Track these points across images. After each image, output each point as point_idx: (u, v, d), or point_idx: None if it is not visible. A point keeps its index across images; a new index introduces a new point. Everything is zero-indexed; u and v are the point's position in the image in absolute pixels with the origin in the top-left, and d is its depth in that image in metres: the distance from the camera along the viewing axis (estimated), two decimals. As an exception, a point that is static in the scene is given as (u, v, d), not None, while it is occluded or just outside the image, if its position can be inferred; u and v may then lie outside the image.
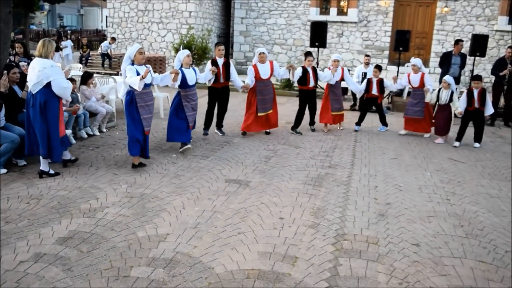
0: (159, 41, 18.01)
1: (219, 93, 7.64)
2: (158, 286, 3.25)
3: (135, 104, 5.74)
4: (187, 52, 6.75)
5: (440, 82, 10.79)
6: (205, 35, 17.23)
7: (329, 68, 8.43)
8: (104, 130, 7.91)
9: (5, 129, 5.62)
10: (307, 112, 8.45)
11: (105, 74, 12.71)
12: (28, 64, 8.48)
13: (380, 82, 8.87)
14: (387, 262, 3.73)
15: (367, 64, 11.22)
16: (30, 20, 31.51)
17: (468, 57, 11.25)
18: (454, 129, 8.34)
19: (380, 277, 3.50)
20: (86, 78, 7.84)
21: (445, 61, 10.74)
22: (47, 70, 5.20)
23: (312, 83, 8.16)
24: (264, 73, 7.80)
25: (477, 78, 8.07)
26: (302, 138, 8.09)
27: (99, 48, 17.72)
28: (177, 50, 15.82)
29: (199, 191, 5.20)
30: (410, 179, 6.01)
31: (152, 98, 6.03)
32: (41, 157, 5.44)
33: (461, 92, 10.94)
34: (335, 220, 4.53)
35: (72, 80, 7.37)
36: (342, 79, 8.65)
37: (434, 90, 8.45)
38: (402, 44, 12.27)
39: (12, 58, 8.38)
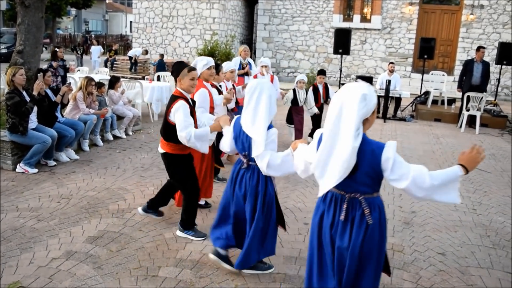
0: (183, 47, 18.29)
1: None
2: (185, 287, 3.31)
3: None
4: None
5: (460, 88, 10.56)
6: (228, 41, 17.41)
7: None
8: (130, 133, 8.07)
9: (38, 130, 5.80)
10: None
11: (131, 78, 12.95)
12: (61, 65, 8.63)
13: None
14: (413, 270, 3.72)
15: (391, 71, 11.17)
16: (57, 24, 32.27)
17: (495, 65, 11.11)
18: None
19: (406, 285, 3.49)
20: (114, 82, 8.02)
21: (467, 68, 10.38)
22: None
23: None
24: None
25: (321, 73, 8.08)
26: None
27: (130, 53, 18.03)
28: (200, 55, 16.08)
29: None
30: (435, 187, 5.96)
31: None
32: None
33: (487, 101, 10.82)
34: (360, 227, 4.53)
35: (101, 84, 7.58)
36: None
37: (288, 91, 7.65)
38: (427, 51, 12.18)
39: (53, 63, 8.48)
